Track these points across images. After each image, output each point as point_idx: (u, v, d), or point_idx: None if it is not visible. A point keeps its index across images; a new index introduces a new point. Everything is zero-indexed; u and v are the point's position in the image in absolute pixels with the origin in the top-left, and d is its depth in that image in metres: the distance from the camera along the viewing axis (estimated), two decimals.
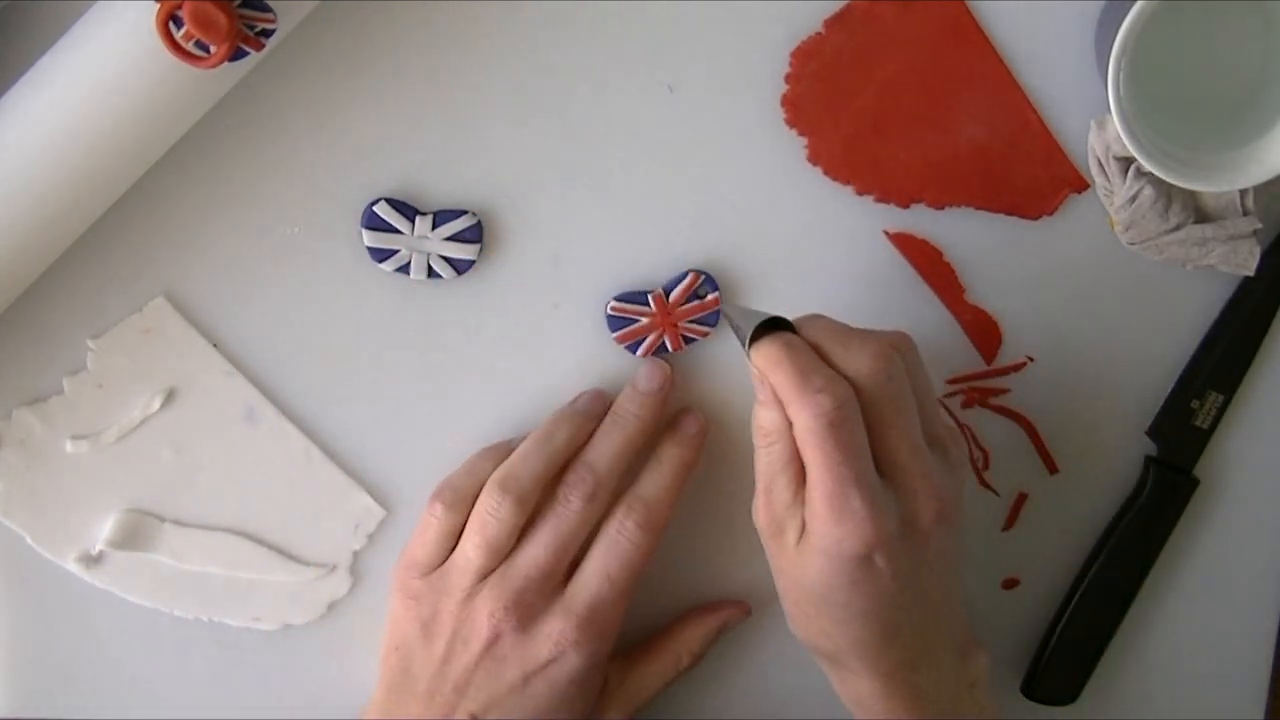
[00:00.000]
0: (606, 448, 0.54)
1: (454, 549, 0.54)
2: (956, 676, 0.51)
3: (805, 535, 0.48)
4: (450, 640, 0.53)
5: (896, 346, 0.49)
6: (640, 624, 0.57)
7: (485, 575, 0.53)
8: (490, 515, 0.53)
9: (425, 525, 0.55)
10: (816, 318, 0.50)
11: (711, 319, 0.56)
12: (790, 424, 0.47)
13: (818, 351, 0.48)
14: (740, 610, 0.58)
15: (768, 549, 0.50)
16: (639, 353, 0.56)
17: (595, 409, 0.56)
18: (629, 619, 0.55)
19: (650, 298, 0.56)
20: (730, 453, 0.57)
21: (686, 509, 0.57)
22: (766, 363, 0.48)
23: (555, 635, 0.52)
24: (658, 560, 0.55)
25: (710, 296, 0.56)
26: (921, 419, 0.49)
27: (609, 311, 0.56)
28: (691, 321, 0.56)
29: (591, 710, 0.55)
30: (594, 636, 0.53)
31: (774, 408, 0.48)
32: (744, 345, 0.49)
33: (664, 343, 0.56)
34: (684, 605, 0.58)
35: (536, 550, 0.53)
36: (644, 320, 0.56)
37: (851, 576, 0.47)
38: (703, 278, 0.56)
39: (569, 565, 0.54)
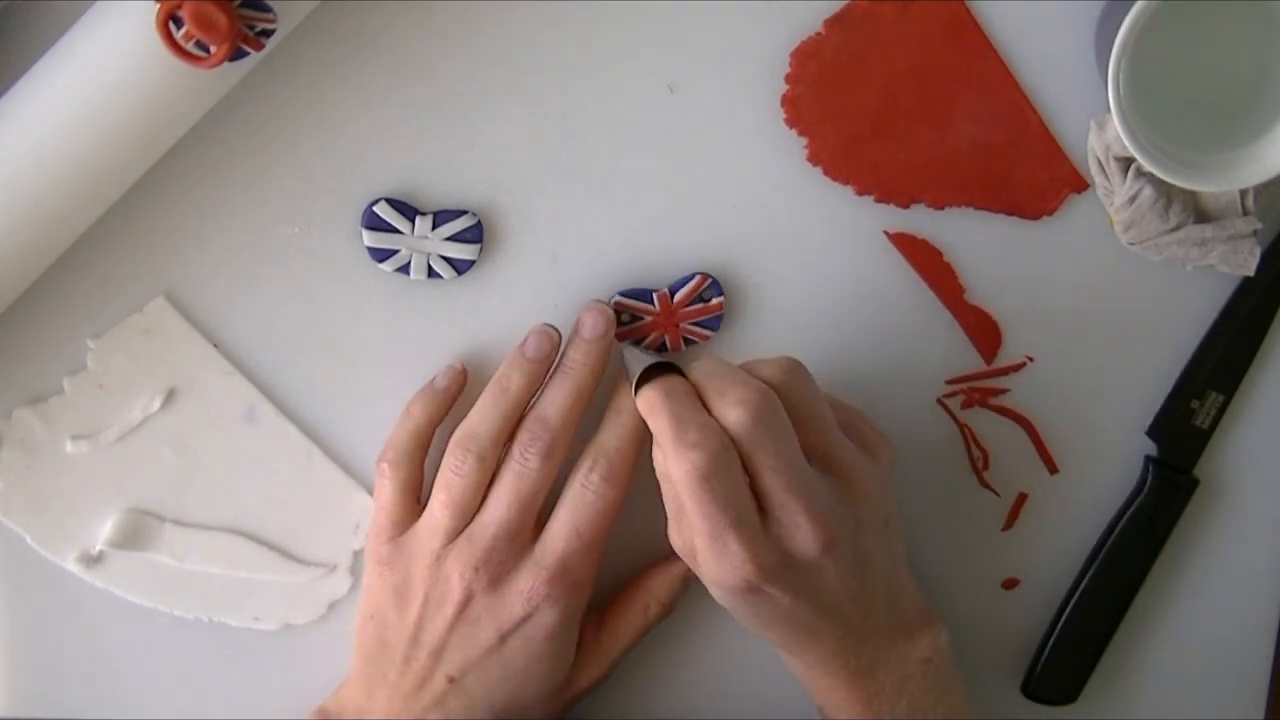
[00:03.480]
0: (558, 400, 0.54)
1: (419, 509, 0.55)
2: (902, 655, 0.52)
3: (699, 567, 0.49)
4: (423, 604, 0.53)
5: (778, 381, 0.50)
6: (608, 579, 0.57)
7: (454, 536, 0.53)
8: (454, 474, 0.53)
9: (379, 489, 0.55)
10: (704, 361, 0.51)
11: (713, 323, 0.56)
12: None
13: (700, 395, 0.49)
14: None
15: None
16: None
17: (545, 351, 0.55)
18: (599, 575, 0.55)
19: (655, 296, 0.56)
20: None
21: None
22: (647, 409, 0.49)
23: (527, 592, 0.52)
24: (623, 514, 0.55)
25: (715, 300, 0.56)
26: (812, 447, 0.50)
27: (612, 307, 0.56)
28: (693, 324, 0.56)
29: (569, 668, 0.55)
30: (566, 591, 0.53)
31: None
32: (632, 389, 0.50)
33: (664, 342, 0.56)
34: (651, 556, 0.58)
35: (499, 510, 0.53)
36: (646, 319, 0.56)
37: (747, 601, 0.49)
38: (709, 281, 0.56)
39: (536, 520, 0.54)
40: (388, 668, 0.54)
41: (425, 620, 0.53)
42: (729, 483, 0.47)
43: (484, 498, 0.54)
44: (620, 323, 0.56)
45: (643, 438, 0.54)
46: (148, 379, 0.56)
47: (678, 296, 0.56)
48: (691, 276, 0.56)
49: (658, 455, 0.50)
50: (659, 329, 0.56)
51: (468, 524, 0.53)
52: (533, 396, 0.54)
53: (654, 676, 0.60)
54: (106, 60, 0.49)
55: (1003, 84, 0.55)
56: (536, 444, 0.53)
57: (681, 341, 0.56)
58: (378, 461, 0.55)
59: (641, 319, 0.56)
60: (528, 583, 0.52)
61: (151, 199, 0.54)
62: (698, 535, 0.48)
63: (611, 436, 0.54)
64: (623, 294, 0.56)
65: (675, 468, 0.47)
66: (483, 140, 0.55)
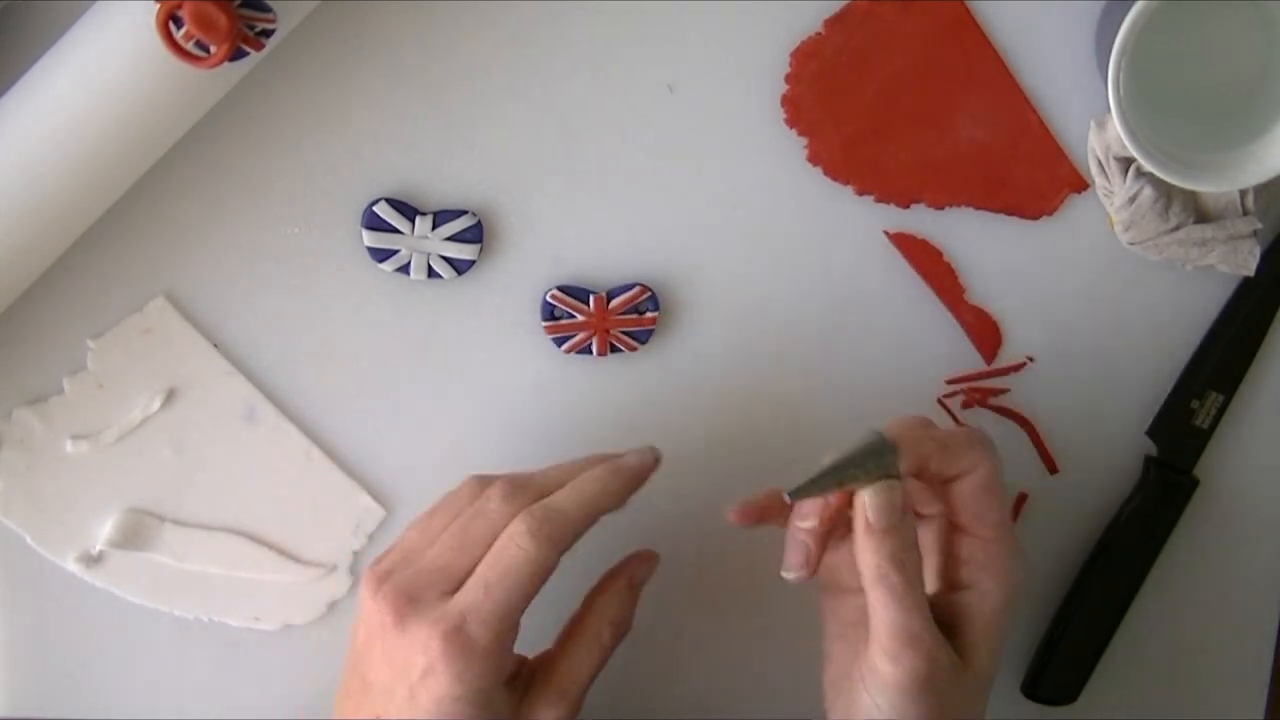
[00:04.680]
0: (567, 486, 0.50)
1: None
2: None
3: (987, 592, 0.50)
4: (367, 636, 0.49)
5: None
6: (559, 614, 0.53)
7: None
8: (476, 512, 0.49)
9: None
10: (908, 421, 0.49)
11: (644, 336, 0.56)
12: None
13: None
14: (646, 561, 0.53)
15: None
16: (563, 348, 0.56)
17: (643, 469, 0.51)
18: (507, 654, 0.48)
19: (591, 297, 0.56)
20: None
21: None
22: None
23: (421, 642, 0.46)
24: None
25: (649, 314, 0.56)
26: None
27: (546, 299, 0.56)
28: (624, 332, 0.56)
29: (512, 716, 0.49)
30: (459, 656, 0.46)
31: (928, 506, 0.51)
32: (881, 467, 0.47)
33: (590, 344, 0.56)
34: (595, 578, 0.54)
35: (441, 548, 0.49)
36: (579, 317, 0.56)
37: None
38: (648, 294, 0.56)
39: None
40: (345, 700, 0.50)
41: (367, 650, 0.49)
42: None
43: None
44: (552, 318, 0.56)
45: (594, 513, 0.49)
46: (148, 379, 0.56)
47: (613, 303, 0.56)
48: (632, 285, 0.56)
49: (902, 537, 0.47)
50: (590, 330, 0.56)
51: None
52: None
53: (652, 676, 0.60)
54: (106, 60, 0.49)
55: (1003, 84, 0.55)
56: (504, 486, 0.49)
57: (608, 348, 0.56)
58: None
59: (574, 317, 0.56)
60: (423, 632, 0.46)
61: (151, 199, 0.54)
62: (1007, 530, 0.50)
63: (563, 498, 0.49)
64: (560, 289, 0.56)
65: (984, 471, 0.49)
66: (483, 140, 0.55)
